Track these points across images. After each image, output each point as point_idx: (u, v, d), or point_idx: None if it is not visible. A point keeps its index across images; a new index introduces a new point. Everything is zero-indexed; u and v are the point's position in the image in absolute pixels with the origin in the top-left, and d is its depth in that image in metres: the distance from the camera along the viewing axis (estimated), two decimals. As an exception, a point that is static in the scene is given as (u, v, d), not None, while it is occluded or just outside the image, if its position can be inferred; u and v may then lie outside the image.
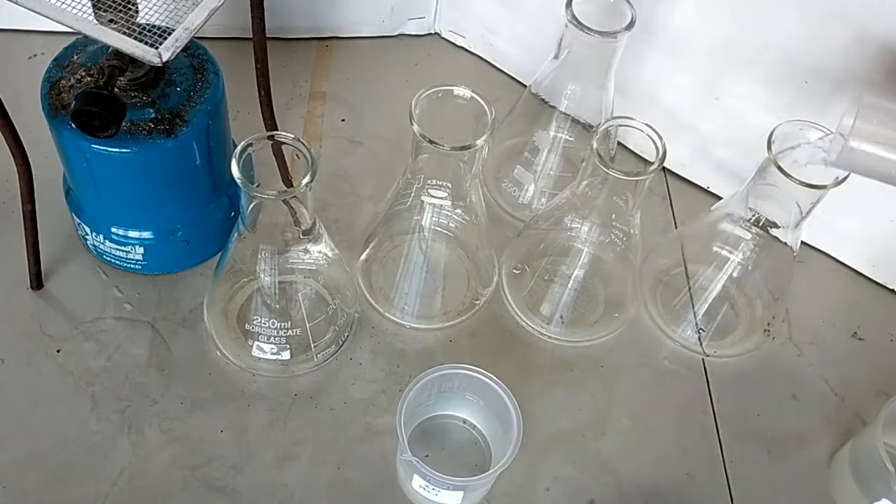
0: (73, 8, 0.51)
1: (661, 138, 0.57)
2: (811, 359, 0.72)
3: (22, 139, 0.60)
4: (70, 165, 0.63)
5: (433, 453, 0.63)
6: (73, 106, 0.54)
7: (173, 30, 0.52)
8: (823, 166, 0.56)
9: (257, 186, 0.54)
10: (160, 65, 0.51)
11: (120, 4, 0.53)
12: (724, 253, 0.68)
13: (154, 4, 0.53)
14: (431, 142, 0.57)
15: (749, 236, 0.66)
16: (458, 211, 0.65)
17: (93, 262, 0.70)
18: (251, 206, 0.56)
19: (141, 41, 0.51)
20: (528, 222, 0.72)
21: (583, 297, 0.71)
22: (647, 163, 0.61)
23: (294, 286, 0.63)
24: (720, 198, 0.76)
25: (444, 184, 0.62)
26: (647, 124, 0.58)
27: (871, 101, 0.52)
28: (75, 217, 0.68)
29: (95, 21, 0.52)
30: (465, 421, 0.65)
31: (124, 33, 0.51)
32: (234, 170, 0.53)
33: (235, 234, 0.60)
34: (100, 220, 0.66)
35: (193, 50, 0.63)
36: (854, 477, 0.62)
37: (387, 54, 0.88)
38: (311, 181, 0.53)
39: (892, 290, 0.77)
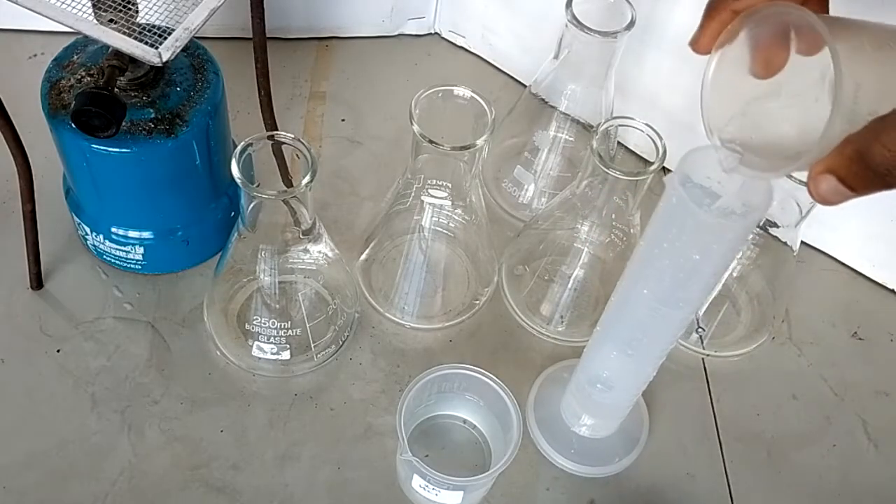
0: (73, 8, 0.51)
1: (661, 138, 0.57)
2: (811, 359, 0.72)
3: (22, 139, 0.60)
4: (70, 165, 0.63)
5: (433, 453, 0.63)
6: (73, 106, 0.54)
7: (173, 30, 0.52)
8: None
9: (257, 186, 0.54)
10: (160, 65, 0.51)
11: (120, 4, 0.53)
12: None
13: (154, 4, 0.53)
14: (431, 142, 0.56)
15: (749, 236, 0.65)
16: (458, 211, 0.65)
17: (93, 262, 0.70)
18: (251, 206, 0.56)
19: (141, 41, 0.51)
20: (528, 222, 0.72)
21: (583, 297, 0.71)
22: (647, 163, 0.61)
23: (294, 286, 0.63)
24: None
25: (444, 184, 0.62)
26: (647, 124, 0.58)
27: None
28: (75, 217, 0.68)
29: (95, 21, 0.52)
30: (465, 421, 0.65)
31: (124, 33, 0.51)
32: (234, 170, 0.53)
33: (235, 234, 0.60)
34: (100, 220, 0.66)
35: (193, 50, 0.63)
36: None
37: (387, 54, 0.88)
38: (311, 181, 0.53)
39: (892, 290, 0.77)
